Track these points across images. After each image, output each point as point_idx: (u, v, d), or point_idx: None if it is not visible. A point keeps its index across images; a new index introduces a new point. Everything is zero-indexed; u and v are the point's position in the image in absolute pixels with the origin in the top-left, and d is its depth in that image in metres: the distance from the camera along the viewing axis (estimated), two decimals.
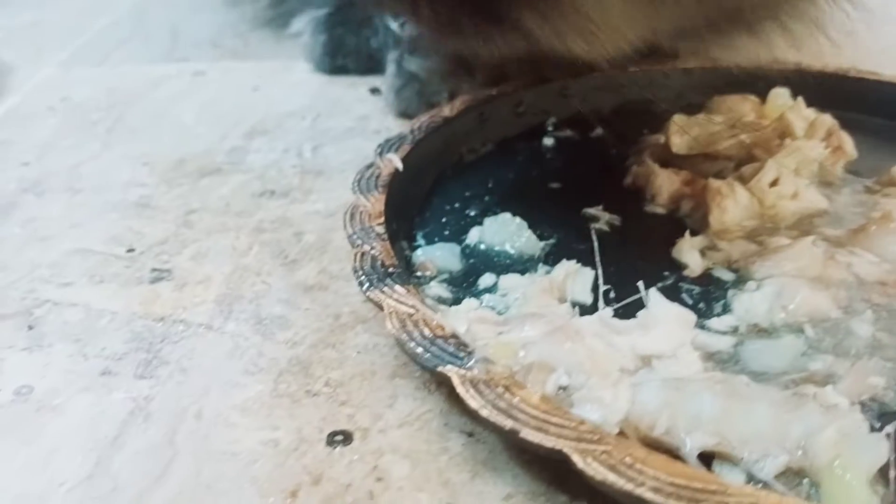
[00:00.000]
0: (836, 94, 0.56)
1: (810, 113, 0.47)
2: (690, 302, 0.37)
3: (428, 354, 0.31)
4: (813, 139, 0.46)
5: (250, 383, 0.35)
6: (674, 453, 0.28)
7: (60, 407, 0.34)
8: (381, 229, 0.40)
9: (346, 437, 0.32)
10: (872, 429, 0.30)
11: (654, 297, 0.35)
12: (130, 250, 0.45)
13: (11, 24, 0.84)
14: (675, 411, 0.29)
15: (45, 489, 0.30)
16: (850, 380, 0.32)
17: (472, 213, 0.46)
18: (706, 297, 0.38)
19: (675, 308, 0.35)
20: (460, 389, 0.29)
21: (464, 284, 0.40)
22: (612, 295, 0.38)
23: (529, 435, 0.27)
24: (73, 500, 0.30)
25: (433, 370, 0.30)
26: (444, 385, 0.33)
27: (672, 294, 0.38)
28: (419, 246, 0.43)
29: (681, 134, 0.46)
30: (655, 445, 0.29)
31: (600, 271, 0.38)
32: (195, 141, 0.58)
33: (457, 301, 0.38)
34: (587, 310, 0.37)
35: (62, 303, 0.41)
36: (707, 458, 0.29)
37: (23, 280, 0.43)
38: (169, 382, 0.35)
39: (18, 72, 0.72)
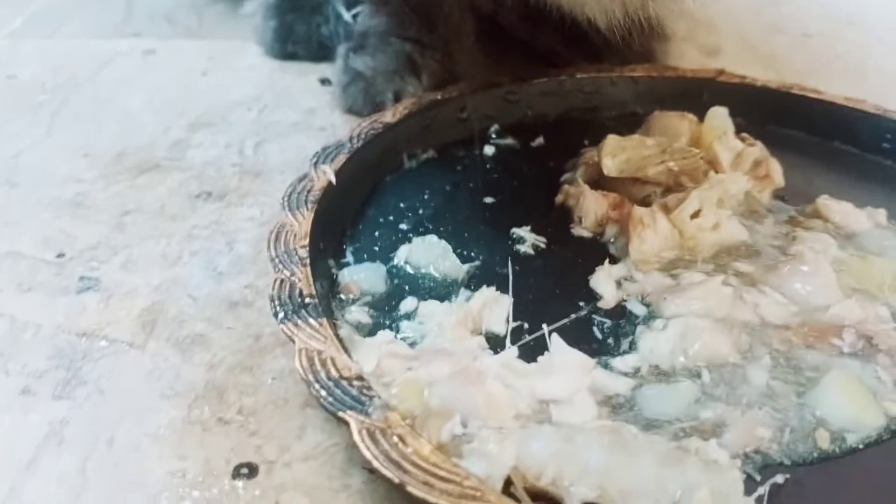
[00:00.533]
0: (779, 110, 0.57)
1: (738, 144, 0.48)
2: (600, 336, 0.39)
3: (331, 398, 0.32)
4: (738, 171, 0.46)
5: (165, 408, 0.36)
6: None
7: None
8: (304, 253, 0.40)
9: (252, 471, 0.33)
10: (752, 482, 0.31)
11: (555, 341, 0.36)
12: (61, 255, 0.45)
13: None
14: (563, 462, 0.30)
15: None
16: (738, 431, 0.33)
17: (404, 228, 0.47)
18: (616, 331, 0.39)
19: (575, 354, 0.36)
20: (357, 438, 0.30)
21: (385, 308, 0.41)
22: (525, 327, 0.39)
23: (416, 490, 0.28)
24: None
25: (334, 415, 0.31)
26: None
27: (584, 327, 0.39)
28: (347, 263, 0.44)
29: (612, 156, 0.47)
30: (542, 495, 0.30)
31: (510, 309, 0.39)
32: (138, 132, 0.58)
33: (377, 326, 0.39)
34: (499, 342, 0.38)
35: None
36: None
37: None
38: (86, 405, 0.36)
39: None
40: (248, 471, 0.33)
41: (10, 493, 0.32)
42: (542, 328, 0.38)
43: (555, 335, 0.37)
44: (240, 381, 0.37)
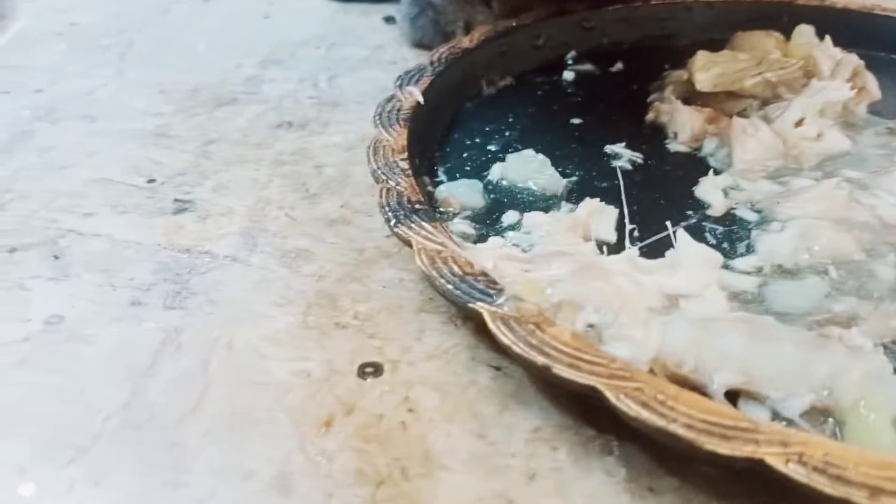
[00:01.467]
0: (860, 32, 0.55)
1: (837, 52, 0.47)
2: (714, 242, 0.38)
3: (458, 291, 0.31)
4: (838, 79, 0.45)
5: (279, 315, 0.35)
6: (701, 391, 0.29)
7: (92, 337, 0.35)
8: (405, 164, 0.39)
9: (377, 369, 0.32)
10: None
11: (680, 237, 0.35)
12: (151, 181, 0.45)
13: None
14: (703, 350, 0.30)
15: (83, 418, 0.30)
16: (874, 322, 0.32)
17: (493, 149, 0.46)
18: (730, 237, 0.38)
19: (701, 248, 0.35)
20: (492, 326, 0.29)
21: (487, 221, 0.40)
22: (636, 234, 0.38)
23: (562, 371, 0.28)
24: (112, 429, 0.30)
25: (464, 307, 0.31)
26: (471, 320, 0.33)
27: (696, 234, 0.38)
28: (441, 182, 0.43)
29: (705, 70, 0.46)
30: (683, 383, 0.29)
31: (626, 210, 0.38)
32: (209, 70, 0.57)
33: (481, 238, 0.39)
34: (612, 248, 0.37)
35: (86, 233, 0.41)
36: (732, 397, 0.29)
37: (44, 210, 0.42)
38: (198, 313, 0.36)
39: None
40: (373, 369, 0.32)
41: (132, 396, 0.32)
42: (658, 231, 0.37)
43: (679, 230, 0.36)
44: (350, 289, 0.37)
